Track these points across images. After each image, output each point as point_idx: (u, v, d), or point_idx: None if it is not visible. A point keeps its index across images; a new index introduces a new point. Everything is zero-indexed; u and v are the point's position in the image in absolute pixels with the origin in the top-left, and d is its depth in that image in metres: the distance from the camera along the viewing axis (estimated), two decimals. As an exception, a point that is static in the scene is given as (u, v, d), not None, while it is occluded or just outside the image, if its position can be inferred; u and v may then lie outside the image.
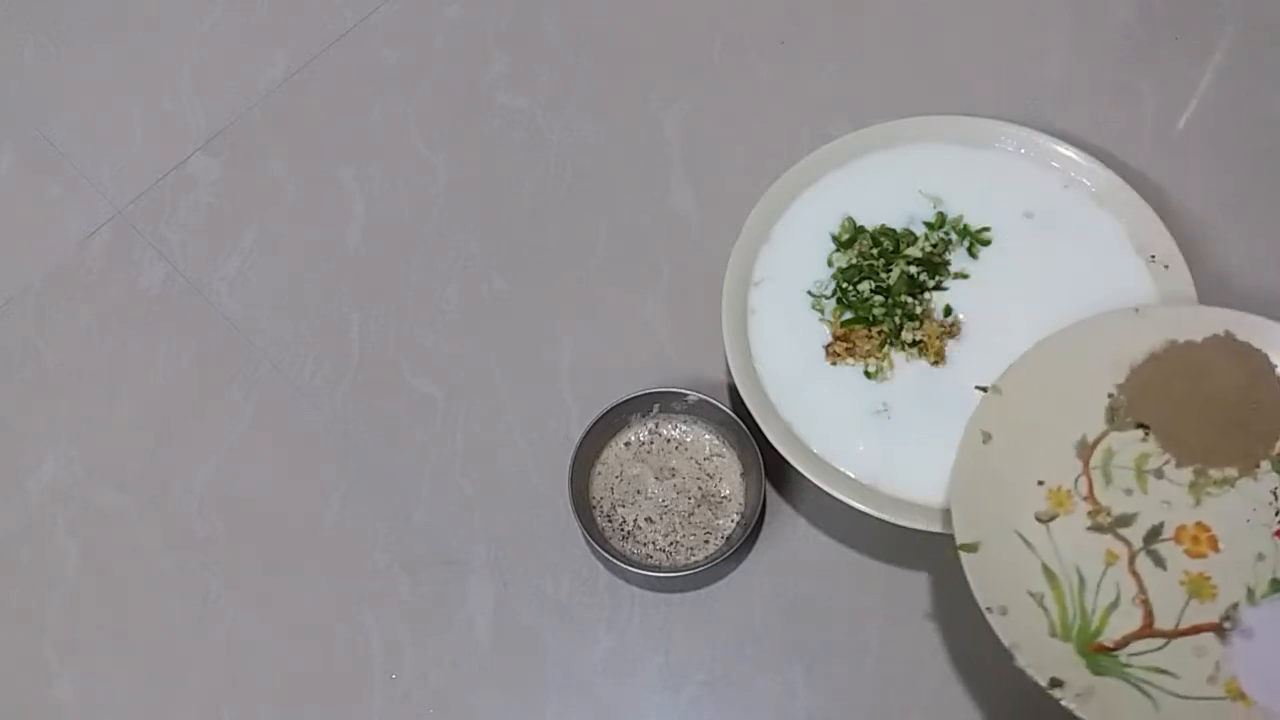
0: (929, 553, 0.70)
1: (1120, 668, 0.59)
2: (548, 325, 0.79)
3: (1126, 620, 0.61)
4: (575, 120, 0.86)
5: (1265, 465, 0.64)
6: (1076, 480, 0.64)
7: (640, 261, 0.81)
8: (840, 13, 0.89)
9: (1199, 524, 0.63)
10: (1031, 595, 0.61)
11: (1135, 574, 0.62)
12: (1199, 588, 0.61)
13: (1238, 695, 0.58)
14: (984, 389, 0.66)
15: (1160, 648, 0.60)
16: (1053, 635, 0.60)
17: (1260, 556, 0.62)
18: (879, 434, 0.68)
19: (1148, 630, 0.60)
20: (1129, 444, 0.65)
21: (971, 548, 0.61)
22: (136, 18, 0.92)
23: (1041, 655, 0.58)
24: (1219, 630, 0.60)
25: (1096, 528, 0.63)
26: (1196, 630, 0.60)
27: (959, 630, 0.69)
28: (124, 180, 0.86)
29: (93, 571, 0.74)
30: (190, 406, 0.78)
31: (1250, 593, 0.61)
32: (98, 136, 0.88)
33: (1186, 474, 0.64)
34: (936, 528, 0.65)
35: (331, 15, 0.91)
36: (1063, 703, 0.57)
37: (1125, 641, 0.60)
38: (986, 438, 0.65)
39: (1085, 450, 0.65)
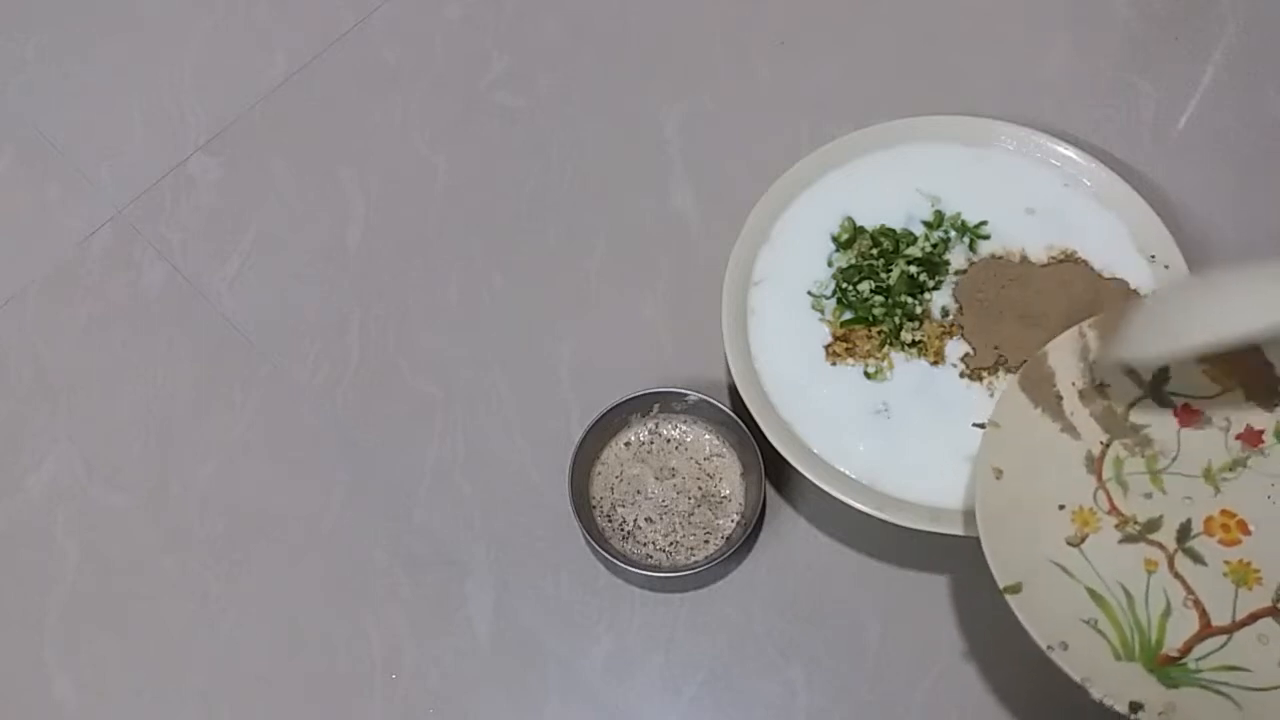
0: (928, 552, 0.70)
1: (1192, 675, 0.58)
2: (548, 325, 0.79)
3: (1184, 625, 0.60)
4: (575, 120, 0.86)
5: (1270, 439, 0.64)
6: (1095, 495, 0.64)
7: (640, 261, 0.81)
8: (840, 13, 0.89)
9: (1224, 511, 0.63)
10: (1085, 622, 0.60)
11: (1179, 576, 0.61)
12: (1243, 575, 0.61)
13: None
14: (982, 425, 0.65)
15: (1224, 644, 0.59)
16: (1118, 658, 0.59)
17: None
18: (879, 434, 0.68)
19: (1207, 629, 0.60)
20: (1135, 447, 0.65)
21: (1015, 589, 0.60)
22: (136, 18, 0.92)
23: (1113, 681, 0.57)
24: (1275, 613, 0.60)
25: (1128, 539, 0.62)
26: (1254, 618, 0.60)
27: (959, 630, 0.69)
28: (124, 180, 0.86)
29: (93, 571, 0.74)
30: (190, 406, 0.78)
31: None
32: (98, 136, 0.88)
33: (1198, 466, 0.64)
34: (936, 527, 0.65)
35: (331, 15, 0.91)
36: None
37: (1189, 647, 0.59)
38: (998, 474, 0.63)
39: (1095, 464, 0.64)
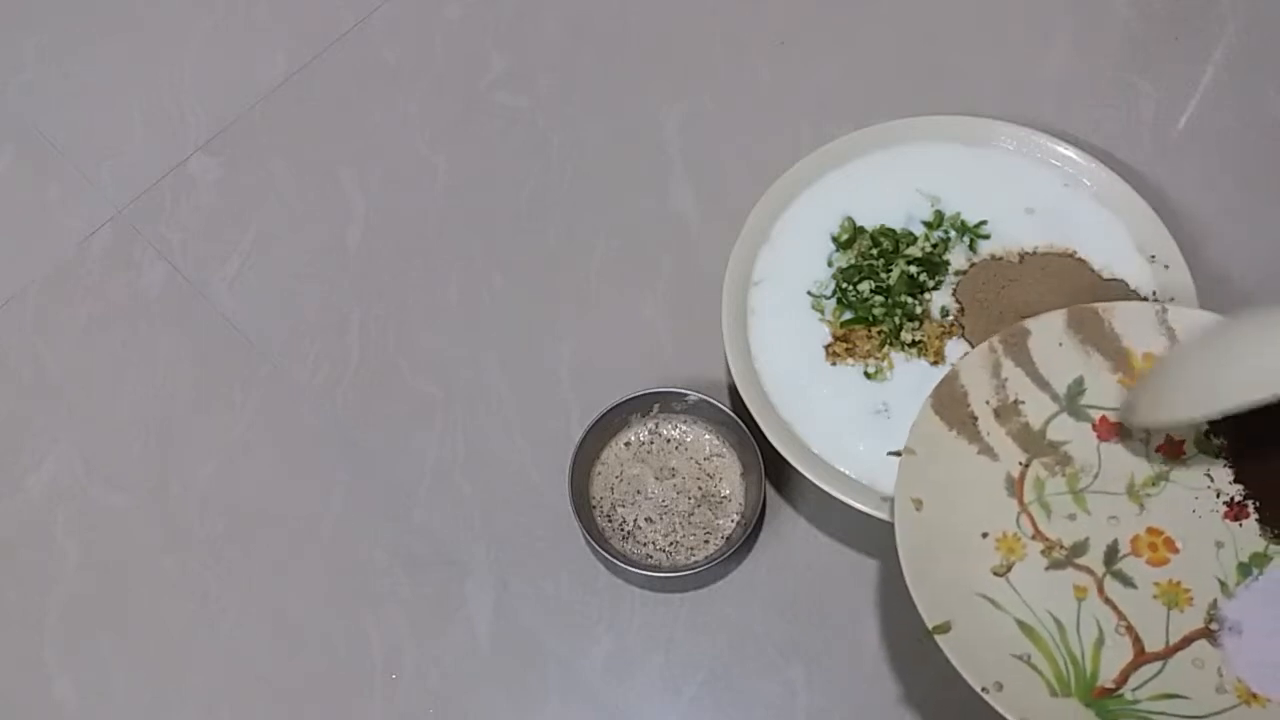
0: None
1: (1130, 707, 0.57)
2: (548, 325, 0.79)
3: (1118, 653, 0.58)
4: (575, 120, 0.86)
5: (1191, 449, 0.62)
6: (1019, 520, 0.61)
7: (640, 261, 0.81)
8: (840, 13, 0.89)
9: (1151, 529, 0.61)
10: (1018, 658, 0.57)
11: (1109, 601, 0.60)
12: (1174, 595, 0.60)
13: (1249, 697, 0.57)
14: (897, 454, 0.62)
15: (1159, 672, 0.58)
16: (1053, 694, 0.57)
17: (1219, 544, 0.60)
18: (879, 434, 0.68)
19: (1141, 657, 0.58)
20: (1055, 465, 0.63)
21: (944, 629, 0.57)
22: (136, 18, 0.92)
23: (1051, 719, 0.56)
24: (1208, 634, 0.59)
25: (1055, 564, 0.60)
26: (1187, 641, 0.59)
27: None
28: (124, 180, 0.86)
29: (93, 571, 0.74)
30: (190, 406, 0.78)
31: (1223, 585, 0.60)
32: (98, 136, 0.88)
33: (1121, 482, 0.62)
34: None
35: (331, 15, 0.91)
36: None
37: (1124, 677, 0.58)
38: (918, 505, 0.60)
39: (1016, 486, 0.62)
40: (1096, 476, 0.62)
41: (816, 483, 0.67)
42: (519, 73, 0.88)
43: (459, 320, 0.80)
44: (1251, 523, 0.61)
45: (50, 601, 0.73)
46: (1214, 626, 0.59)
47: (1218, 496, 0.62)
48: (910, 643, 0.69)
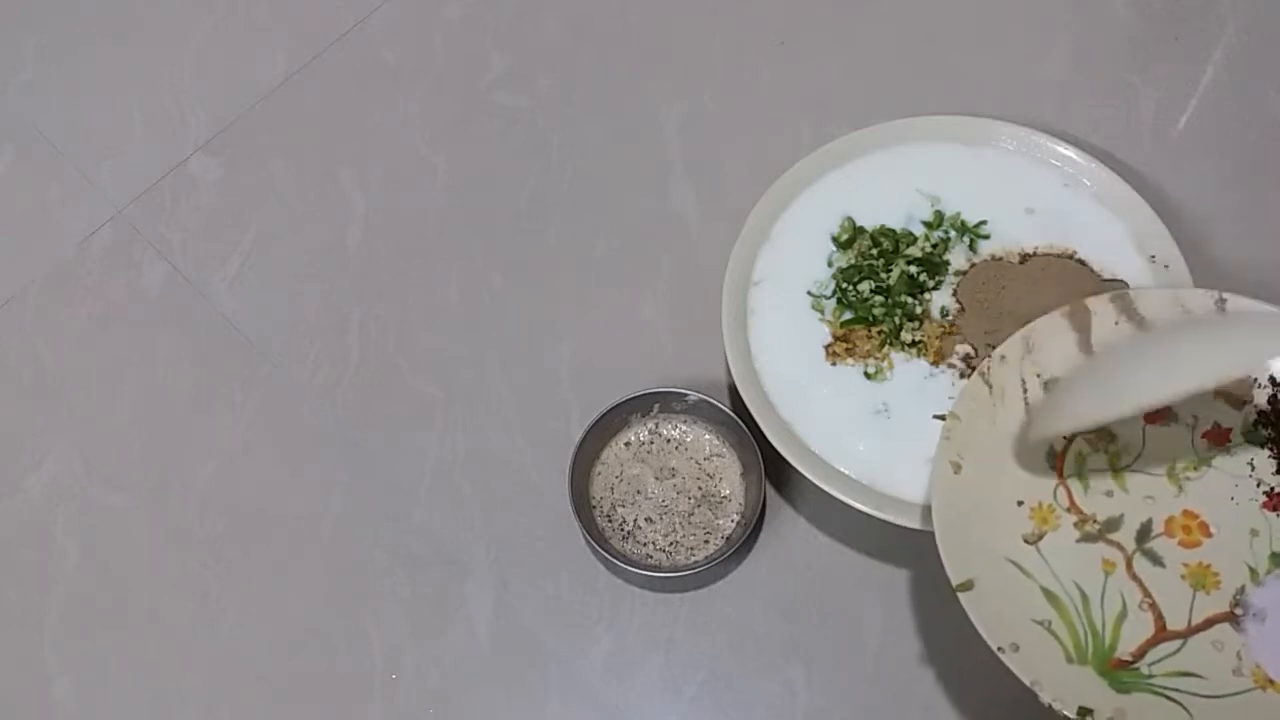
0: (928, 553, 0.70)
1: (1144, 680, 0.58)
2: (548, 325, 0.79)
3: (1139, 628, 0.59)
4: (575, 120, 0.86)
5: (1237, 438, 0.63)
6: (1055, 492, 0.63)
7: (640, 261, 0.81)
8: (840, 13, 0.89)
9: (1186, 512, 0.62)
10: (1038, 623, 0.59)
11: (1136, 578, 0.60)
12: (1202, 578, 0.60)
13: (1266, 682, 0.57)
14: (942, 417, 0.65)
15: (1178, 650, 0.59)
16: (1069, 661, 0.58)
17: (1254, 533, 0.61)
18: (879, 434, 0.68)
19: (1162, 634, 0.59)
20: (1098, 442, 0.63)
21: (967, 586, 0.59)
22: (137, 18, 0.92)
23: (1063, 685, 0.56)
24: (1232, 619, 0.59)
25: (1086, 538, 0.62)
26: (1210, 623, 0.59)
27: (959, 630, 0.69)
28: (124, 180, 0.86)
29: (93, 571, 0.74)
30: (190, 406, 0.78)
31: (1253, 572, 0.60)
32: (98, 136, 0.88)
33: (1162, 464, 0.63)
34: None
35: (331, 15, 0.91)
36: None
37: (1142, 651, 0.59)
38: (956, 468, 0.62)
39: (1057, 459, 0.63)
40: (1139, 457, 0.63)
41: (816, 483, 0.67)
42: (519, 73, 0.88)
43: (459, 320, 0.80)
44: None
45: (50, 601, 0.73)
46: (1239, 611, 0.59)
47: (1258, 486, 0.62)
48: (910, 642, 0.69)
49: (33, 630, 0.72)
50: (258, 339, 0.80)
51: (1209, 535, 0.61)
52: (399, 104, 0.87)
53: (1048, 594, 0.60)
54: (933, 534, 0.64)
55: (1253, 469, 0.63)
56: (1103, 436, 0.63)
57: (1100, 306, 0.66)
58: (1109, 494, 0.62)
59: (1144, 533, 0.61)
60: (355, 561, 0.73)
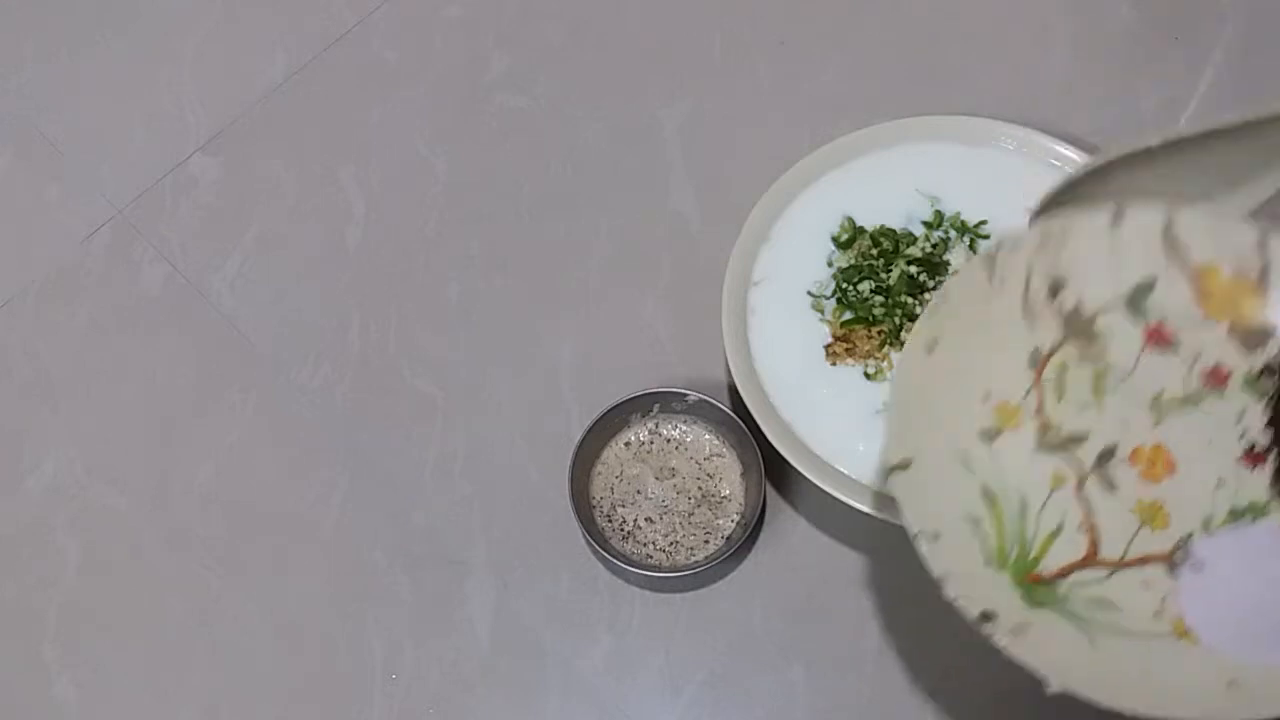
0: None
1: (1058, 599, 0.54)
2: (548, 325, 0.79)
3: (1069, 549, 0.56)
4: (575, 120, 0.86)
5: (1236, 383, 0.59)
6: (1027, 394, 0.58)
7: (640, 261, 0.81)
8: (840, 13, 0.89)
9: (1157, 446, 0.58)
10: (967, 520, 0.55)
11: (1084, 498, 0.57)
12: (1152, 514, 0.57)
13: (1182, 632, 0.54)
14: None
15: (1105, 578, 0.55)
16: (987, 564, 0.55)
17: (1221, 482, 0.57)
18: (879, 434, 0.68)
19: (1092, 559, 0.56)
20: (1088, 355, 0.59)
21: (904, 466, 0.55)
22: (136, 18, 0.92)
23: (974, 586, 0.53)
24: (1168, 562, 0.56)
25: (1045, 446, 0.58)
26: (1144, 561, 0.56)
27: (959, 630, 0.69)
28: (124, 180, 0.86)
29: (93, 571, 0.74)
30: (190, 406, 0.78)
31: (1206, 522, 0.56)
32: (98, 136, 0.88)
33: (1147, 392, 0.58)
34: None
35: (331, 15, 0.91)
36: (993, 639, 0.52)
37: (1065, 572, 0.55)
38: (931, 347, 0.58)
39: (1040, 361, 0.59)
40: (1125, 379, 0.59)
41: (816, 483, 0.67)
42: (519, 73, 0.88)
43: (459, 320, 0.80)
44: (1265, 473, 0.58)
45: (50, 601, 0.73)
46: (1178, 557, 0.56)
47: (1241, 437, 0.58)
48: (910, 642, 0.69)
49: (33, 630, 0.72)
50: (258, 339, 0.80)
51: (1172, 473, 0.57)
52: (399, 104, 0.87)
53: (986, 493, 0.56)
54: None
55: (1240, 418, 0.58)
56: (1094, 347, 0.59)
57: (1137, 213, 0.60)
58: (1083, 408, 0.58)
59: (1105, 455, 0.58)
60: (355, 561, 0.73)
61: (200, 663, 0.71)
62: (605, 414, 0.71)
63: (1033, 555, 0.56)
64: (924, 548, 0.54)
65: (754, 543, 0.72)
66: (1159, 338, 0.60)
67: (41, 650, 0.71)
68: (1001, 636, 0.52)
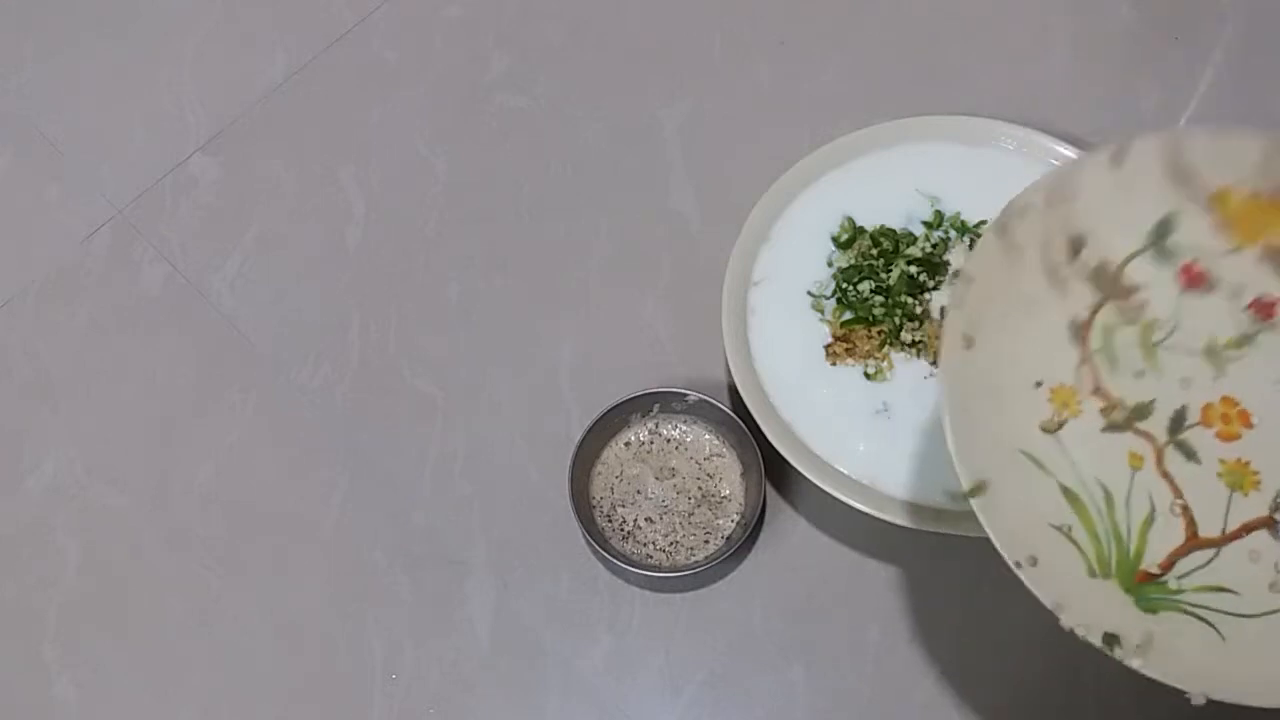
0: (929, 552, 0.70)
1: (1172, 597, 0.50)
2: (548, 325, 0.79)
3: (1168, 535, 0.51)
4: (575, 120, 0.86)
5: None
6: (1079, 371, 0.54)
7: (640, 261, 0.81)
8: (840, 13, 0.89)
9: (1226, 399, 0.53)
10: (1057, 529, 0.51)
11: (1166, 475, 0.53)
12: (1239, 477, 0.52)
13: None
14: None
15: (1211, 560, 0.51)
16: (1092, 575, 0.50)
17: None
18: (879, 434, 0.68)
19: (1193, 541, 0.52)
20: (1129, 311, 0.55)
21: (980, 490, 0.50)
22: (136, 18, 0.92)
23: (1087, 606, 0.49)
24: (1271, 525, 0.52)
25: (1113, 426, 0.53)
26: (1246, 529, 0.52)
27: (959, 630, 0.69)
28: (124, 180, 0.86)
29: (93, 571, 0.74)
30: (190, 406, 0.78)
31: None
32: (98, 136, 0.88)
33: (1200, 340, 0.54)
34: (937, 527, 0.65)
35: (331, 15, 0.91)
36: (1125, 662, 0.48)
37: (1171, 562, 0.51)
38: (969, 342, 0.53)
39: (1082, 331, 0.54)
40: (1173, 331, 0.55)
41: (816, 483, 0.67)
42: (519, 73, 0.88)
43: (459, 320, 0.80)
44: None
45: (50, 601, 0.73)
46: (1279, 516, 0.52)
47: None
48: (910, 642, 0.69)
49: (33, 630, 0.72)
50: (258, 339, 0.80)
51: (1249, 426, 0.53)
52: (399, 104, 0.87)
53: (1067, 493, 0.52)
54: (932, 533, 0.65)
55: None
56: (1134, 305, 0.55)
57: (1140, 147, 0.56)
58: (1139, 375, 0.54)
59: (1178, 421, 0.53)
60: (355, 561, 0.73)
61: (200, 663, 0.71)
62: (605, 414, 0.71)
63: (1133, 551, 0.52)
64: (1027, 577, 0.49)
65: (754, 543, 0.72)
66: (1194, 278, 0.55)
67: (41, 650, 0.71)
68: (1131, 658, 0.48)
